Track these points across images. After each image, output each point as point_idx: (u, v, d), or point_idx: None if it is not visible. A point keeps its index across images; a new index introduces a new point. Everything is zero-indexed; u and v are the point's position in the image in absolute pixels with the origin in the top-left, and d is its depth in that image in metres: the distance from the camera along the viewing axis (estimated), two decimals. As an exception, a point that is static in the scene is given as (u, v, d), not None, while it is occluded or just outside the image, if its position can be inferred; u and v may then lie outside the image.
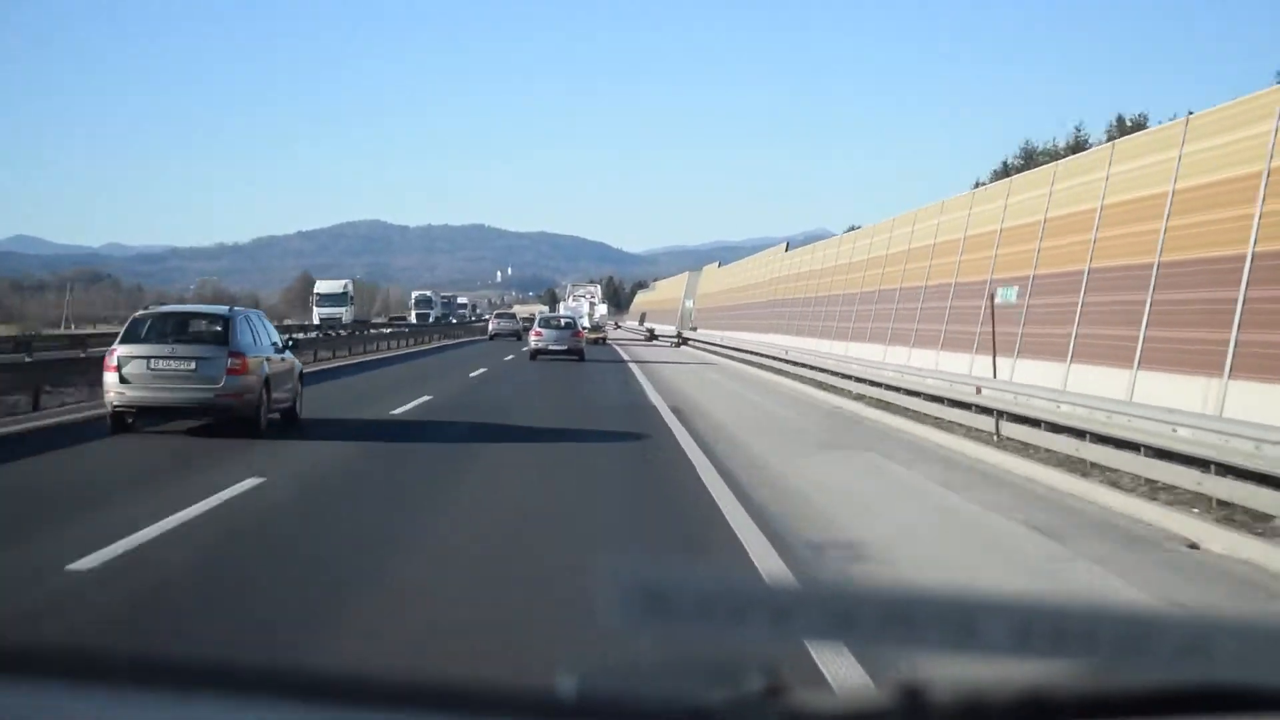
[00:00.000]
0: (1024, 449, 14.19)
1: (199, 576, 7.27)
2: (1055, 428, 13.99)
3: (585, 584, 4.98)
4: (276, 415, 15.51)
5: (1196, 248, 14.79)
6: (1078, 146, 49.02)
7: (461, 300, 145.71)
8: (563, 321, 41.43)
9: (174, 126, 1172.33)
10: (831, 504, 10.61)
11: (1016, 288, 19.89)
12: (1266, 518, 9.16)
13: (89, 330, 54.79)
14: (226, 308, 16.21)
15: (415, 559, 7.81)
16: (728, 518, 9.38)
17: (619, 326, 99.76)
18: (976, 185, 56.31)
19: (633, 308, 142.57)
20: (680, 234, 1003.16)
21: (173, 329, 15.25)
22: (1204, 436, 11.01)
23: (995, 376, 18.52)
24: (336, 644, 5.56)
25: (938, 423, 17.46)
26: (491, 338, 59.41)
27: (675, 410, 19.58)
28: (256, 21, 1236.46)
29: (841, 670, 4.80)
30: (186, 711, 1.15)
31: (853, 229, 47.89)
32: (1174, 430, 11.64)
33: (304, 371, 18.04)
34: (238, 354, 14.51)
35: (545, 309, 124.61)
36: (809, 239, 55.82)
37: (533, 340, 38.74)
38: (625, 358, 43.38)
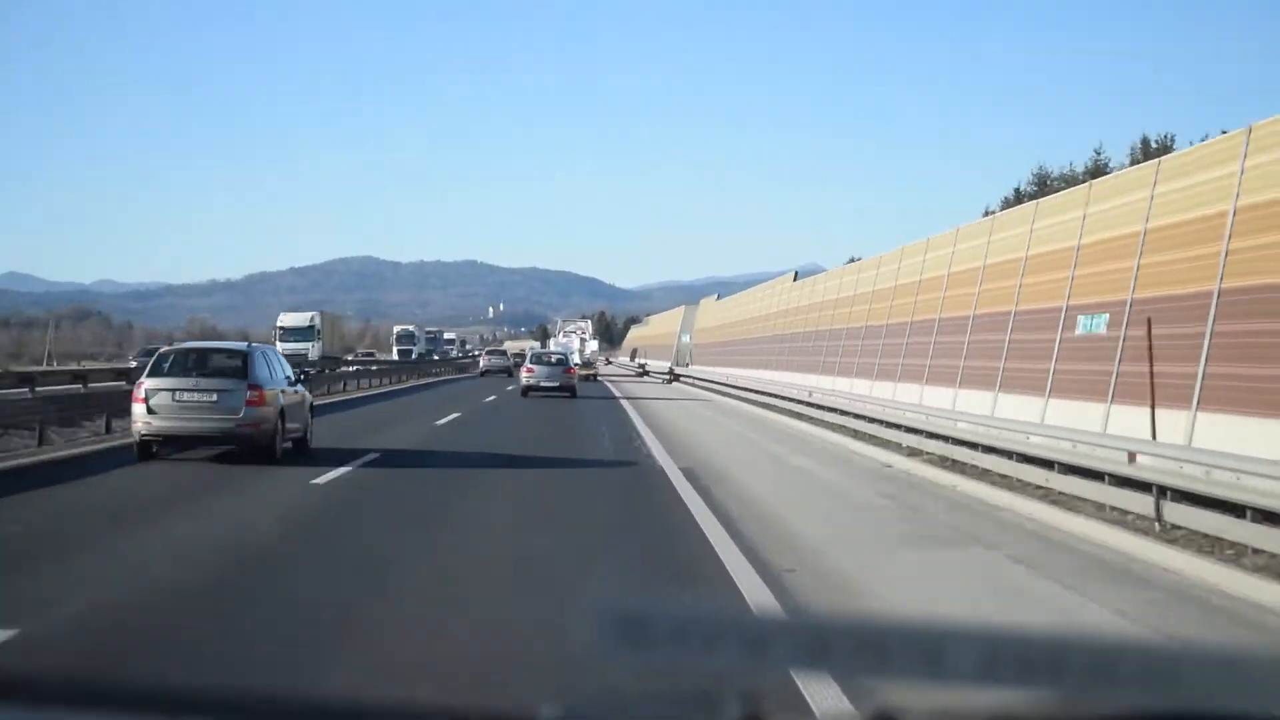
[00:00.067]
0: (1213, 546, 9.89)
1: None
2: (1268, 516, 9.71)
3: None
4: (289, 444, 16.63)
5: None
6: (1097, 171, 46.49)
7: (449, 336, 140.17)
8: (554, 358, 41.10)
9: (167, 164, 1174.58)
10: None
11: (1106, 315, 16.86)
12: None
13: (72, 367, 53.46)
14: (245, 344, 18.20)
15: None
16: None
17: (610, 362, 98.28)
18: (986, 214, 54.49)
19: (625, 343, 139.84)
20: (673, 269, 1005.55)
21: (195, 363, 16.42)
22: None
23: (1155, 438, 13.19)
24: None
25: (1046, 495, 13.15)
26: (483, 374, 60.93)
27: (688, 474, 15.41)
28: (250, 59, 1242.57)
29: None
30: None
31: (854, 260, 45.91)
32: None
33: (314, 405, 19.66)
34: (256, 387, 15.66)
35: (537, 344, 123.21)
36: (804, 274, 53.40)
37: (524, 377, 38.53)
38: (617, 394, 42.64)
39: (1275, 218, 13.00)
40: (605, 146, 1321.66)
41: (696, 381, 52.68)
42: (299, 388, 17.73)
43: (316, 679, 5.73)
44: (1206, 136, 25.21)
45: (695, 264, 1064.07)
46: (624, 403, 35.10)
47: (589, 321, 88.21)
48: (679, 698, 1.10)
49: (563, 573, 8.76)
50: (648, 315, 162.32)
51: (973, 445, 16.38)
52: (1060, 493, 13.03)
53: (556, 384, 37.64)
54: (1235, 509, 10.09)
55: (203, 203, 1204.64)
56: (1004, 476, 14.66)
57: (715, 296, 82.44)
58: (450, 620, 7.22)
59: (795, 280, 47.78)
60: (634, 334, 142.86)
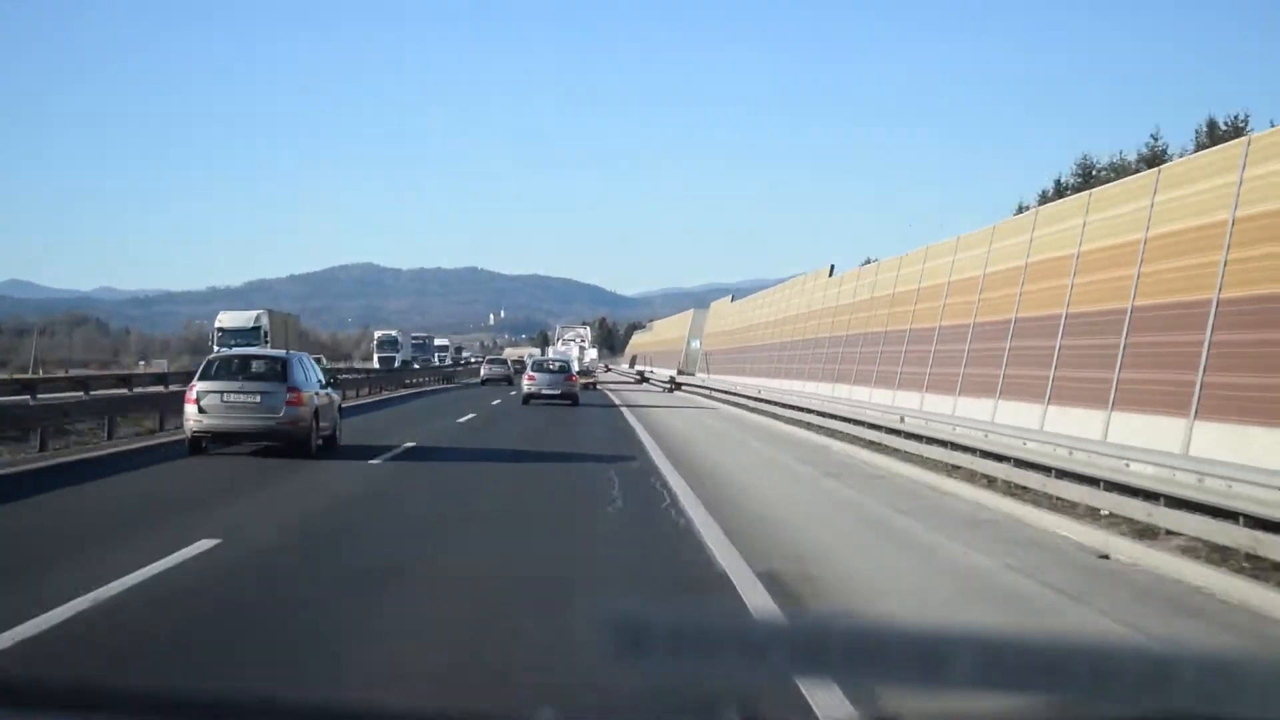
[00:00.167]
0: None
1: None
2: None
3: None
4: (320, 441, 18.34)
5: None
6: (1153, 159, 40.74)
7: (441, 342, 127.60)
8: (556, 365, 40.86)
9: (167, 171, 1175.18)
10: None
11: None
12: None
13: (60, 374, 53.14)
14: (284, 351, 20.67)
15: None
16: None
17: (609, 369, 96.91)
18: (1020, 210, 48.74)
19: (628, 350, 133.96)
20: (674, 276, 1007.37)
21: (239, 368, 18.52)
22: None
23: None
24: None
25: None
26: (483, 382, 60.44)
27: (770, 580, 8.72)
28: (251, 65, 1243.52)
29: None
30: None
31: (869, 262, 41.73)
32: None
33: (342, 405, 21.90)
34: (294, 389, 17.66)
35: (536, 351, 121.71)
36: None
37: (526, 384, 38.25)
38: (617, 402, 41.67)
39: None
40: (608, 153, 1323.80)
41: (714, 394, 46.03)
42: (329, 390, 19.79)
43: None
44: (1273, 122, 24.22)
45: (697, 271, 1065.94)
46: (636, 426, 27.98)
47: (588, 328, 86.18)
48: (678, 702, 1.11)
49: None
50: (651, 320, 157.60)
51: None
52: None
53: (558, 392, 37.44)
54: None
55: (203, 210, 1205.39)
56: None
57: (730, 298, 74.94)
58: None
59: (832, 275, 40.30)
60: (637, 340, 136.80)
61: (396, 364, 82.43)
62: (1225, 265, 13.81)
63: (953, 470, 16.58)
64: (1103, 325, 17.03)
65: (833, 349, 35.81)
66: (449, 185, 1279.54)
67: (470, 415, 30.68)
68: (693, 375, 64.48)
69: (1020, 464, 15.05)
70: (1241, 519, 10.07)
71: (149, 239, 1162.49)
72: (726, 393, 42.26)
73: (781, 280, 59.10)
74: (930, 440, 18.92)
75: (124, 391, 29.81)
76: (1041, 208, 24.00)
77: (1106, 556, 10.50)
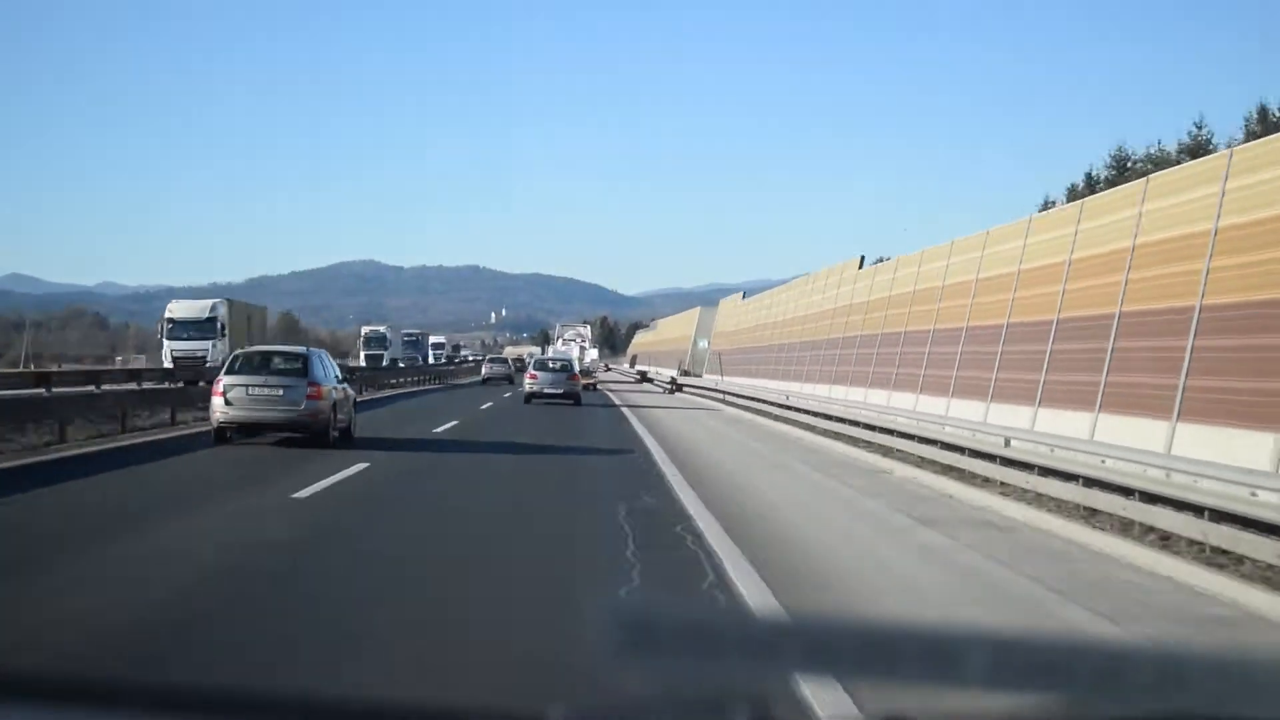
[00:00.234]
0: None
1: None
2: None
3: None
4: (337, 433, 19.25)
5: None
6: (1196, 150, 38.27)
7: (436, 339, 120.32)
8: (558, 364, 40.37)
9: (169, 167, 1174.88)
10: None
11: None
12: None
13: (53, 369, 51.82)
14: (304, 348, 21.55)
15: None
16: None
17: (609, 369, 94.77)
18: (1045, 206, 46.04)
19: (630, 349, 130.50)
20: (676, 276, 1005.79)
21: (262, 364, 19.57)
22: None
23: None
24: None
25: None
26: (485, 381, 59.95)
27: None
28: (253, 61, 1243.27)
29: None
30: None
31: (882, 260, 37.99)
32: None
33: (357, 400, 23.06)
34: (314, 383, 18.78)
35: (536, 350, 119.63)
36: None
37: (527, 383, 38.09)
38: (617, 402, 40.26)
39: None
40: (609, 153, 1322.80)
41: (728, 398, 41.39)
42: (344, 386, 20.79)
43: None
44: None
45: (698, 271, 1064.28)
46: (645, 435, 24.89)
47: (588, 327, 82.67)
48: (685, 701, 1.09)
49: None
50: (654, 319, 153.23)
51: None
52: None
53: (560, 391, 37.23)
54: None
55: (205, 206, 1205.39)
56: None
57: (740, 295, 67.66)
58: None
59: (861, 267, 36.22)
60: (639, 340, 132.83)
61: (385, 362, 76.17)
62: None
63: (1095, 517, 12.18)
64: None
65: (865, 349, 31.90)
66: (452, 183, 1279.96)
67: (450, 423, 25.79)
68: (699, 376, 61.37)
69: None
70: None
71: (151, 235, 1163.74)
72: (746, 398, 37.83)
73: (784, 281, 56.78)
74: (1056, 474, 14.01)
75: (133, 386, 30.75)
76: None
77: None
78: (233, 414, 18.58)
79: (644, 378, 70.82)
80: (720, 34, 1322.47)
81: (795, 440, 25.17)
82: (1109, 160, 47.37)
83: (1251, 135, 33.60)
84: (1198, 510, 10.74)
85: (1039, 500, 13.45)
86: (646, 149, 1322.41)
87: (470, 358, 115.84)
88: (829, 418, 26.12)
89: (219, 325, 47.07)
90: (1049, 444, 15.94)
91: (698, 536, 10.40)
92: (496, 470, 16.86)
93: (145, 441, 19.51)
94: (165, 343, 47.21)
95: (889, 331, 29.78)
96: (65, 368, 56.75)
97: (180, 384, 34.37)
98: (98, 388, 28.11)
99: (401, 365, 72.92)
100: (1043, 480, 13.96)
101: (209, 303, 48.76)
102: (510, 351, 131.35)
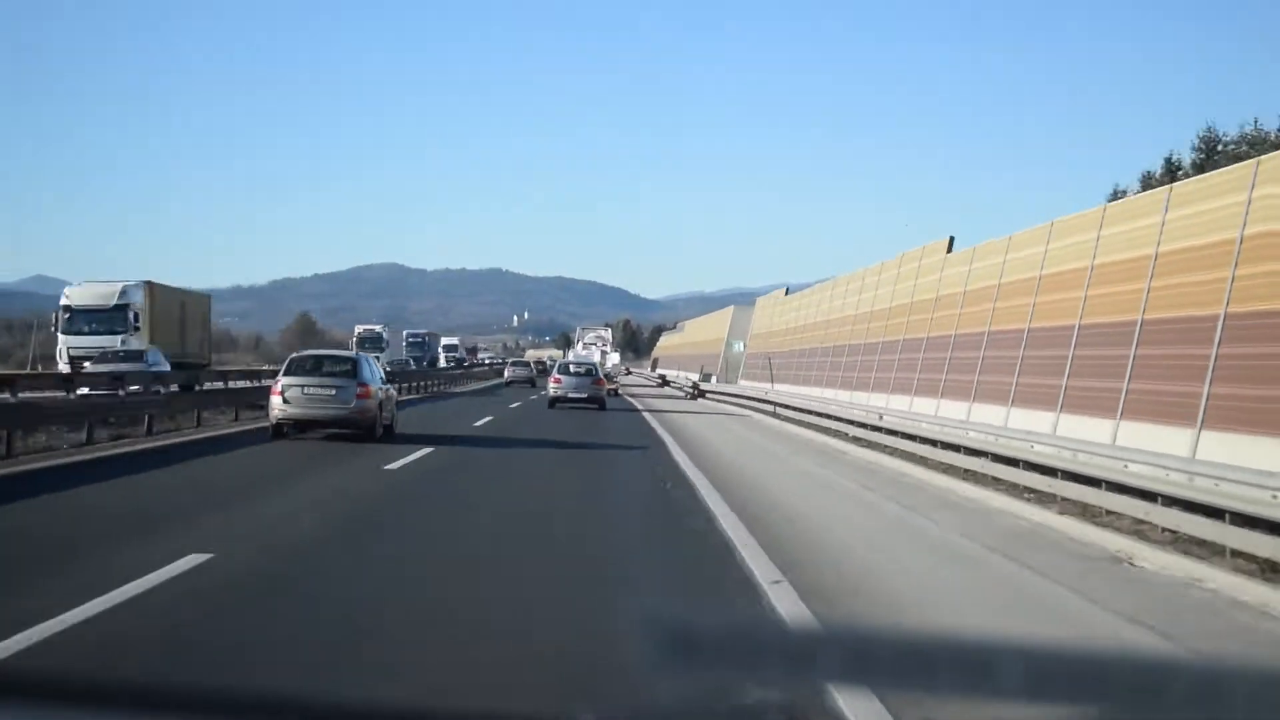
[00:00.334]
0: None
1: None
2: None
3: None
4: (382, 430, 21.21)
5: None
6: None
7: (449, 340, 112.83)
8: (583, 368, 39.67)
9: (190, 170, 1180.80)
10: None
11: None
12: None
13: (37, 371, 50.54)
14: (355, 352, 24.01)
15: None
16: None
17: (629, 372, 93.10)
18: (1115, 196, 41.50)
19: (655, 353, 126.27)
20: (698, 280, 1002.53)
21: (315, 366, 21.48)
22: None
23: None
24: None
25: None
26: (508, 384, 61.26)
27: None
28: (275, 65, 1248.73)
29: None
30: None
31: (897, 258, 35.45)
32: None
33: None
34: (363, 384, 20.70)
35: (557, 353, 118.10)
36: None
37: (551, 388, 37.87)
38: (656, 426, 30.92)
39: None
40: (633, 156, 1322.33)
41: (779, 410, 35.62)
42: (388, 387, 23.02)
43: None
44: None
45: (721, 275, 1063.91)
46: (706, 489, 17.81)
47: (609, 330, 79.82)
48: (720, 709, 1.08)
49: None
50: (676, 322, 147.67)
51: None
52: None
53: (585, 395, 36.90)
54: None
55: (228, 208, 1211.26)
56: None
57: (784, 290, 59.30)
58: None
59: (951, 251, 29.73)
60: (665, 343, 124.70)
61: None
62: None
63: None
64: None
65: (964, 352, 25.02)
66: (475, 186, 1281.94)
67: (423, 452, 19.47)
68: (733, 382, 57.49)
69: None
70: None
71: (174, 237, 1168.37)
72: (807, 411, 31.67)
73: (806, 285, 54.20)
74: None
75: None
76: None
77: None
78: (290, 411, 20.56)
79: (664, 382, 70.03)
80: (747, 37, 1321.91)
81: (908, 481, 17.46)
82: (1196, 143, 42.59)
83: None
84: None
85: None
86: (670, 152, 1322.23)
87: (486, 361, 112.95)
88: (962, 450, 18.17)
89: (131, 315, 36.79)
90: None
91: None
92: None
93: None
94: (60, 338, 37.24)
95: (1001, 329, 23.20)
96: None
97: (74, 392, 23.30)
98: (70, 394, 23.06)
99: (388, 370, 62.33)
100: None
101: (118, 286, 37.76)
102: (532, 354, 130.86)
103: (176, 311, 40.74)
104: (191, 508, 11.96)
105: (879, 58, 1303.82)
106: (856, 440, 24.68)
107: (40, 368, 71.58)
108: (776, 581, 8.59)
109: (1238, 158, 24.02)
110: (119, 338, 36.09)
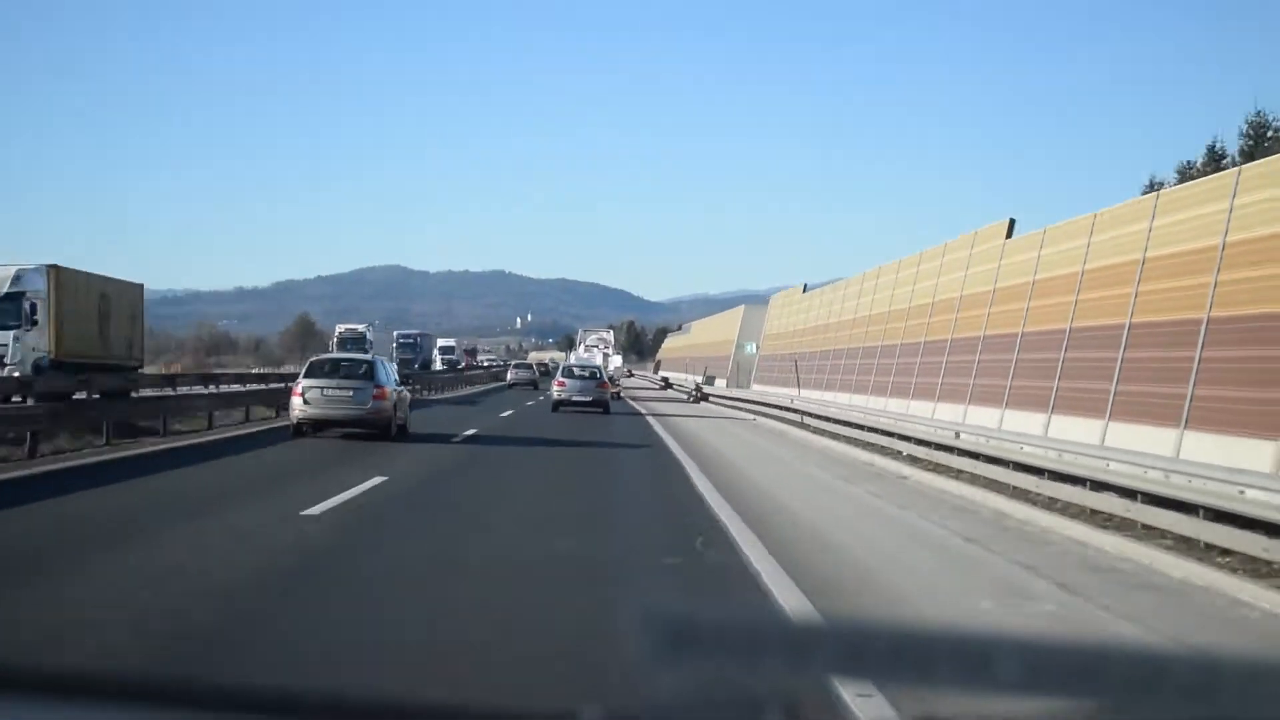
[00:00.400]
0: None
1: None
2: None
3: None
4: (396, 429, 22.42)
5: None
6: None
7: (445, 342, 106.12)
8: (587, 372, 39.73)
9: (191, 171, 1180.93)
10: None
11: None
12: None
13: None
14: (371, 355, 25.68)
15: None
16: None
17: (631, 374, 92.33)
18: (1153, 186, 40.16)
19: (660, 355, 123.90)
20: (702, 282, 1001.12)
21: (333, 369, 22.77)
22: None
23: None
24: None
25: None
26: (510, 386, 61.98)
27: None
28: (277, 66, 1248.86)
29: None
30: None
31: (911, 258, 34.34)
32: None
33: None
34: (379, 386, 21.84)
35: (560, 355, 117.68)
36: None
37: (555, 391, 37.73)
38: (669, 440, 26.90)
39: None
40: (636, 158, 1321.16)
41: (806, 419, 31.45)
42: (403, 389, 24.33)
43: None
44: None
45: (725, 277, 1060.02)
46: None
47: (611, 332, 78.88)
48: (720, 703, 1.09)
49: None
50: (680, 324, 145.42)
51: None
52: None
53: (589, 399, 36.82)
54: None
55: (231, 210, 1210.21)
56: None
57: (802, 286, 54.51)
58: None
59: (1010, 236, 25.79)
60: (670, 345, 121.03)
61: None
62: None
63: None
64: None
65: (1040, 354, 21.53)
66: (477, 188, 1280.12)
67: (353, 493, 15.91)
68: (745, 387, 54.57)
69: None
70: None
71: (178, 240, 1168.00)
72: (852, 425, 26.95)
73: (814, 287, 52.23)
74: None
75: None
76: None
77: None
78: (310, 412, 21.63)
79: (667, 384, 69.64)
80: (751, 39, 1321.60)
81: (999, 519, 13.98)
82: (1244, 129, 40.10)
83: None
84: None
85: None
86: (673, 153, 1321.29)
87: (485, 363, 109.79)
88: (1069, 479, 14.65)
89: (26, 307, 29.90)
90: None
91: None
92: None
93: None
94: None
95: (1099, 324, 19.26)
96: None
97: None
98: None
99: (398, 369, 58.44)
100: None
101: (10, 270, 30.57)
102: (534, 357, 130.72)
103: (93, 304, 32.66)
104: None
105: (891, 50, 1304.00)
106: (913, 460, 20.50)
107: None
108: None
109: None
110: (10, 333, 29.66)
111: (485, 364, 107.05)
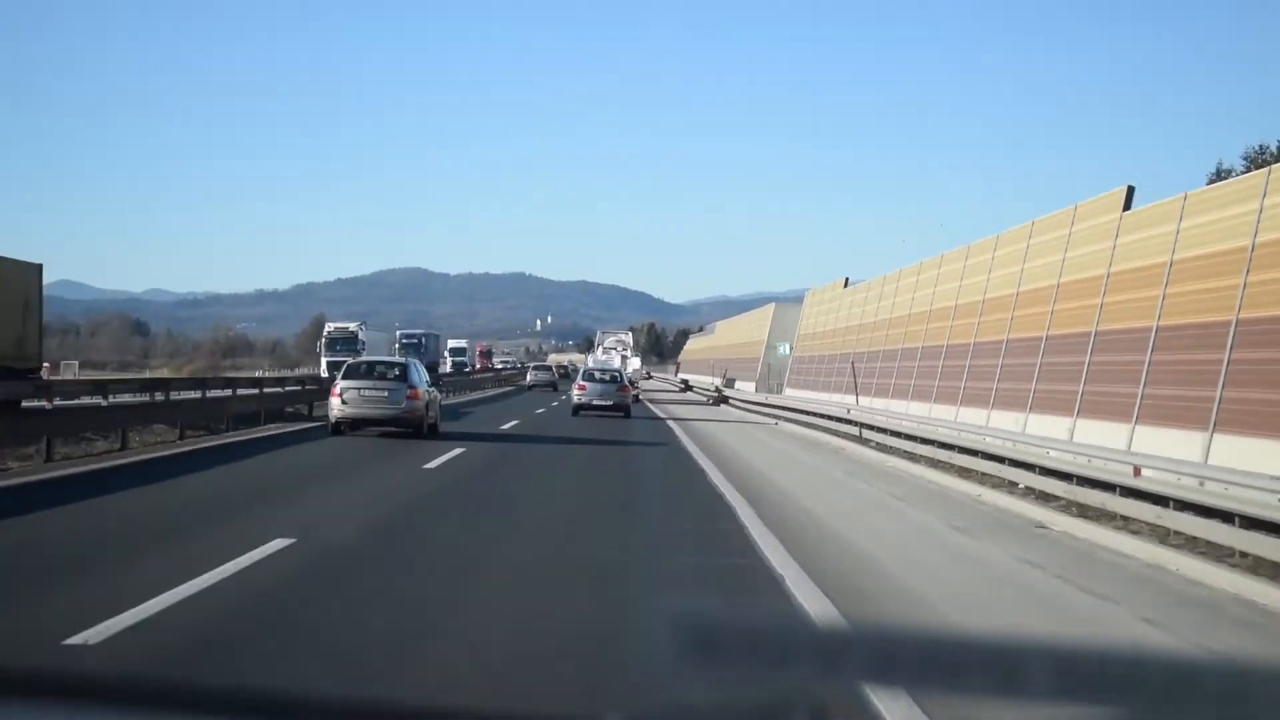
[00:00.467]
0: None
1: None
2: None
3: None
4: (428, 428, 23.82)
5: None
6: None
7: (456, 343, 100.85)
8: (608, 375, 39.25)
9: (212, 174, 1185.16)
10: None
11: None
12: None
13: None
14: (404, 359, 27.15)
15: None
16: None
17: (650, 376, 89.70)
18: (1220, 176, 39.14)
19: (681, 357, 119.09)
20: (722, 284, 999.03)
21: (368, 371, 24.36)
22: None
23: None
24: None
25: None
26: (530, 388, 62.72)
27: None
28: (303, 68, 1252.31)
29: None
30: None
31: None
32: None
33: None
34: (413, 387, 23.36)
35: (579, 357, 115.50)
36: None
37: (576, 395, 37.46)
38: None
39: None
40: (659, 161, 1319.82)
41: (866, 433, 26.89)
42: (433, 390, 25.81)
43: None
44: None
45: (745, 279, 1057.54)
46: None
47: (630, 334, 75.62)
48: (747, 709, 1.09)
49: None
50: (701, 326, 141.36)
51: None
52: None
53: (610, 403, 36.55)
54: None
55: (251, 213, 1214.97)
56: None
57: (843, 282, 47.90)
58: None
59: (1129, 208, 20.53)
60: (693, 346, 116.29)
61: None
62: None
63: None
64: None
65: (1192, 353, 16.46)
66: (497, 190, 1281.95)
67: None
68: (775, 392, 50.08)
69: None
70: None
71: (199, 242, 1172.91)
72: (939, 445, 21.58)
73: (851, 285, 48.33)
74: None
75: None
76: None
77: None
78: (348, 411, 23.13)
79: (687, 387, 68.69)
80: (771, 40, 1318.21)
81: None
82: (1246, 153, 40.18)
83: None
84: None
85: None
86: (694, 155, 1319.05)
87: (498, 366, 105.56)
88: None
89: None
90: None
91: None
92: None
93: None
94: None
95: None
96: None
97: None
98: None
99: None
100: None
101: None
102: (554, 359, 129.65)
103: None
104: None
105: (920, 48, 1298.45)
106: (1043, 499, 15.03)
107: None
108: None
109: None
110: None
111: (498, 367, 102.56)
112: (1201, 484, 13.02)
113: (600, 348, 66.68)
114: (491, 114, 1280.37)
